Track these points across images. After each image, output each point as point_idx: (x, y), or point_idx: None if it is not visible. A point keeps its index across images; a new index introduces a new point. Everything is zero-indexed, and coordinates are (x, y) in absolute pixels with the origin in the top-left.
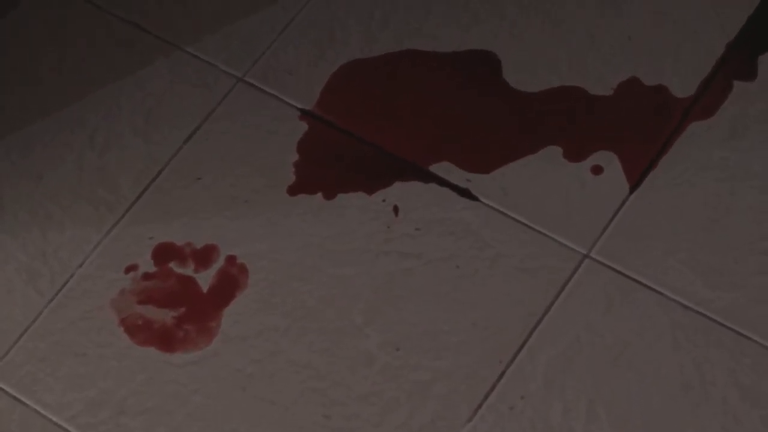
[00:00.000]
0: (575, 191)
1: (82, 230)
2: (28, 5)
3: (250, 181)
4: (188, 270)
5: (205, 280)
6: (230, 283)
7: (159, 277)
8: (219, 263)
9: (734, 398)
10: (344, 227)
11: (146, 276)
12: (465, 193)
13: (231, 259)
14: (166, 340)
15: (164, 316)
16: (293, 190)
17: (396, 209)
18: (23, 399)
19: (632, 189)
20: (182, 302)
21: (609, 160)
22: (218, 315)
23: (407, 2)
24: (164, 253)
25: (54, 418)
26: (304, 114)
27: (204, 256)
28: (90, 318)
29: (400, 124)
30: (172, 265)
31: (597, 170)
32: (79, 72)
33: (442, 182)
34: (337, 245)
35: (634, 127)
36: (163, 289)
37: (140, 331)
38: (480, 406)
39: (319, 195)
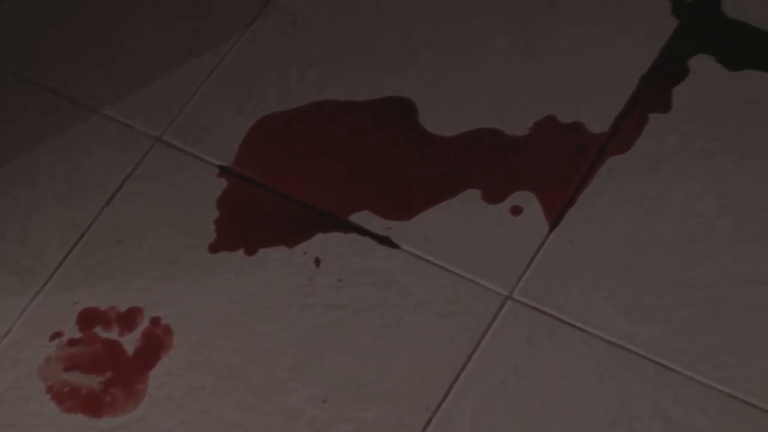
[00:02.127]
0: (495, 233)
1: (7, 300)
2: None
3: (171, 241)
4: (113, 334)
5: (131, 343)
6: (155, 344)
7: (84, 342)
8: (143, 325)
9: (659, 431)
10: (267, 282)
11: (71, 342)
12: (386, 241)
13: (155, 321)
14: (93, 405)
15: (91, 381)
16: (215, 248)
17: (318, 261)
18: None
19: (552, 228)
20: (108, 366)
21: (528, 200)
22: (145, 377)
23: (322, 54)
24: (89, 318)
25: None
26: (223, 171)
27: (128, 319)
28: (18, 388)
29: (318, 176)
30: (97, 329)
31: (516, 211)
32: None
33: (363, 231)
34: (261, 301)
35: (552, 166)
36: (89, 355)
37: (68, 398)
38: None
39: (241, 251)
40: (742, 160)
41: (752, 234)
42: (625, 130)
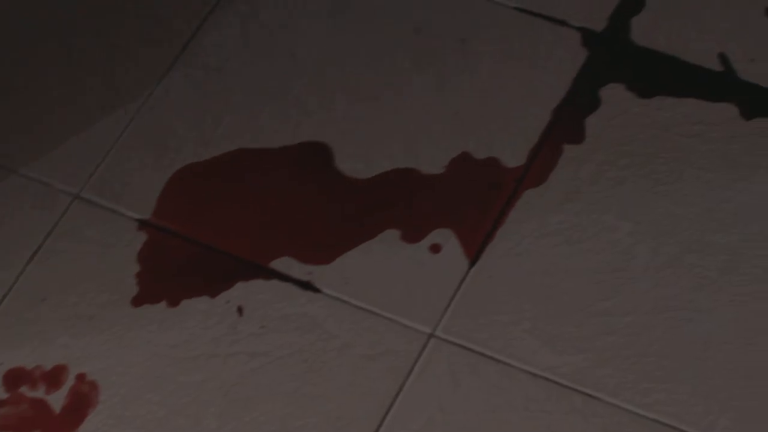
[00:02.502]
0: (416, 272)
1: None
2: None
3: (94, 297)
4: (39, 393)
5: (57, 401)
6: (82, 401)
7: (11, 403)
8: (69, 382)
9: None
10: (190, 333)
11: None
12: (307, 286)
13: (81, 378)
14: None
15: None
16: (137, 302)
17: (240, 309)
18: None
19: (471, 264)
20: (36, 426)
21: (446, 237)
22: None
23: (236, 102)
24: (15, 378)
25: None
26: (143, 224)
27: (54, 377)
28: None
29: (238, 224)
30: (23, 389)
31: (435, 249)
32: None
33: (284, 277)
34: (185, 352)
35: (469, 202)
36: (16, 415)
37: None
38: None
39: (163, 303)
40: (655, 187)
41: (668, 259)
42: (540, 163)
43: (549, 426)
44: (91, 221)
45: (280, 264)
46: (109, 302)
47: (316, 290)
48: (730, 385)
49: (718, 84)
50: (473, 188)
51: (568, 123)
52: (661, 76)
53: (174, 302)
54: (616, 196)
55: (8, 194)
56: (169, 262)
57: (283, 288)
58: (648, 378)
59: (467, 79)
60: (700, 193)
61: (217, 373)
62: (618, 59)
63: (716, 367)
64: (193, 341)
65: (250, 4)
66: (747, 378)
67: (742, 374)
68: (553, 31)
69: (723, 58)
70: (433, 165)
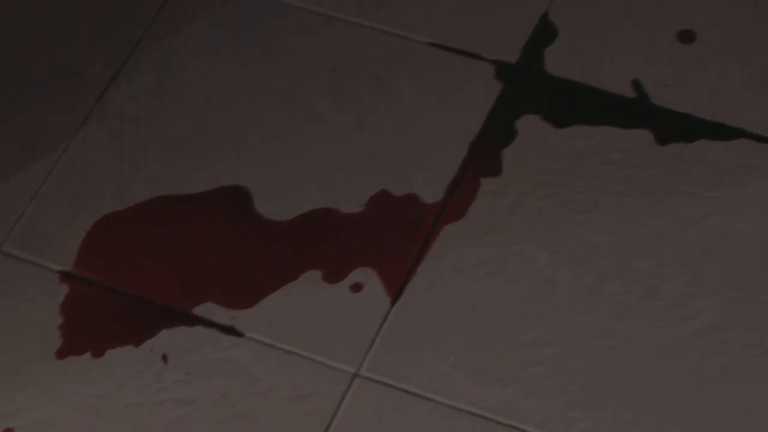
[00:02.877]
0: (338, 312)
1: None
2: None
3: (18, 351)
4: None
5: None
6: None
7: None
8: None
9: None
10: (115, 383)
11: None
12: (231, 331)
13: None
14: None
15: None
16: (62, 354)
17: (165, 357)
18: None
19: (393, 301)
20: None
21: (368, 276)
22: None
23: (153, 150)
24: None
25: None
26: (64, 276)
27: None
28: None
29: (160, 272)
30: None
31: (357, 288)
32: None
33: (208, 323)
34: (111, 402)
35: (389, 240)
36: None
37: None
38: None
39: (88, 355)
40: (573, 216)
41: (588, 288)
42: (459, 197)
43: None
44: (12, 275)
45: (203, 310)
46: (34, 356)
47: (239, 335)
48: (652, 410)
49: (633, 111)
50: (393, 225)
51: (484, 156)
52: (577, 105)
53: (99, 353)
54: (534, 227)
55: None
56: (92, 312)
57: (207, 334)
58: (573, 407)
59: (383, 116)
60: (617, 220)
61: (145, 422)
62: (533, 90)
63: (638, 393)
64: (119, 391)
65: (164, 51)
66: (667, 402)
67: (662, 399)
68: (467, 64)
69: (637, 85)
70: (352, 204)
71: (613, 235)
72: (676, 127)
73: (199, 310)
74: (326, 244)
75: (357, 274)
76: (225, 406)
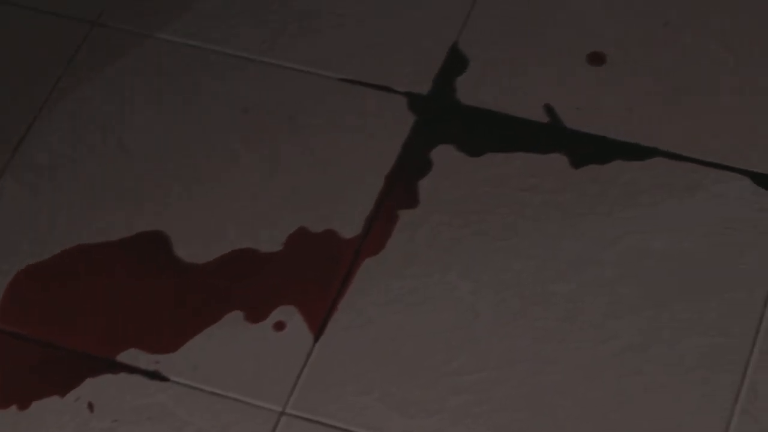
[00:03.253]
0: (262, 351)
1: None
2: None
3: None
4: None
5: None
6: None
7: None
8: None
9: None
10: None
11: None
12: (155, 376)
13: None
14: None
15: None
16: None
17: (91, 406)
18: None
19: (316, 338)
20: None
21: (290, 314)
22: None
23: (70, 200)
24: None
25: None
26: None
27: None
28: None
29: (82, 321)
30: None
31: (280, 326)
32: None
33: (131, 369)
34: None
35: (310, 277)
36: None
37: None
38: None
39: (14, 407)
40: (493, 243)
41: (512, 313)
42: (377, 231)
43: None
44: None
45: (127, 356)
46: None
47: (164, 379)
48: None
49: (546, 136)
50: (313, 263)
51: (401, 188)
52: (491, 133)
53: (24, 405)
54: (454, 256)
55: None
56: (16, 364)
57: (132, 380)
58: None
59: (299, 155)
60: (536, 245)
61: None
62: (446, 120)
63: (563, 416)
64: None
65: (78, 101)
66: (593, 423)
67: (587, 420)
68: (380, 98)
69: (549, 110)
70: (271, 243)
71: (532, 260)
72: (590, 150)
73: (123, 357)
74: (247, 284)
75: (279, 313)
76: None
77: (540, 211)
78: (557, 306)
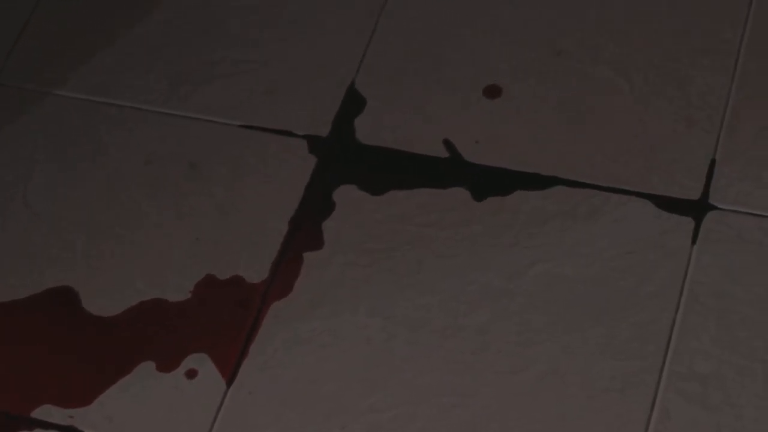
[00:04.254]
0: (175, 400)
1: None
2: None
3: None
4: None
5: None
6: None
7: None
8: None
9: None
10: None
11: None
12: (70, 430)
13: None
14: None
15: None
16: None
17: None
18: None
19: (228, 384)
20: None
21: (201, 361)
22: None
23: None
24: None
25: None
26: None
27: None
28: None
29: None
30: None
31: (192, 374)
32: None
33: (46, 425)
34: None
35: (219, 323)
36: None
37: None
38: None
39: None
40: (400, 280)
41: (425, 348)
42: (284, 274)
43: None
44: None
45: (41, 412)
46: None
47: None
48: None
49: (447, 170)
50: (221, 309)
51: (305, 230)
52: (391, 170)
53: None
54: (362, 295)
55: None
56: None
57: None
58: None
59: (203, 203)
60: (443, 279)
61: None
62: (346, 161)
63: None
64: None
65: None
66: None
67: None
68: (280, 142)
69: (448, 144)
70: (179, 292)
71: (441, 294)
72: (491, 182)
73: (37, 413)
74: (157, 334)
75: (190, 361)
76: None
77: (446, 246)
78: (470, 338)
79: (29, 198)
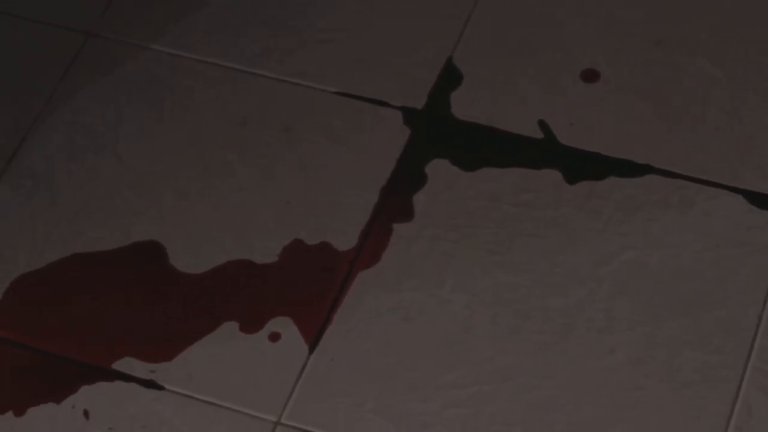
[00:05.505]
0: (257, 362)
1: None
2: None
3: None
4: None
5: None
6: None
7: None
8: None
9: None
10: None
11: None
12: (151, 385)
13: None
14: None
15: None
16: None
17: (86, 413)
18: None
19: (311, 349)
20: None
21: (285, 325)
22: None
23: (67, 209)
24: None
25: None
26: None
27: None
28: None
29: (77, 328)
30: None
31: (275, 337)
32: None
33: (127, 378)
34: None
35: (305, 288)
36: None
37: None
38: None
39: (10, 413)
40: (488, 258)
41: (507, 328)
42: (372, 243)
43: None
44: None
45: (123, 365)
46: None
47: (160, 388)
48: None
49: (540, 151)
50: (308, 274)
51: (396, 202)
52: (485, 148)
53: (20, 411)
54: (449, 270)
55: None
56: (13, 372)
57: (127, 388)
58: None
59: (294, 167)
60: (531, 260)
61: None
62: (441, 135)
63: (563, 430)
64: None
65: (73, 111)
66: None
67: None
68: (375, 112)
69: (543, 125)
70: (266, 254)
71: (527, 275)
72: (584, 166)
73: (119, 365)
74: (242, 295)
75: (274, 324)
76: None
77: (535, 226)
78: (553, 321)
79: (120, 150)
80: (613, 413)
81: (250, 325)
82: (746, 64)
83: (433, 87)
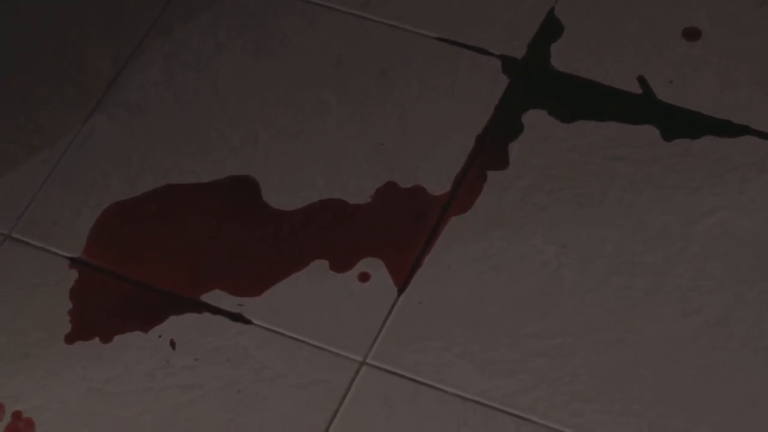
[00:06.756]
0: (345, 301)
1: None
2: None
3: (26, 335)
4: None
5: None
6: None
7: None
8: (6, 420)
9: None
10: (124, 368)
11: None
12: (238, 318)
13: (17, 415)
14: None
15: None
16: (70, 338)
17: (173, 343)
18: None
19: (400, 291)
20: None
21: (375, 266)
22: None
23: (162, 139)
24: None
25: None
26: (74, 262)
27: None
28: None
29: (167, 259)
30: None
31: (364, 277)
32: None
33: (215, 310)
34: (119, 387)
35: (396, 230)
36: None
37: None
38: None
39: (96, 340)
40: (580, 210)
41: (595, 281)
42: (465, 190)
43: None
44: (22, 261)
45: (211, 297)
46: (42, 340)
47: (247, 322)
48: (656, 402)
49: (638, 107)
50: (400, 217)
51: (491, 149)
52: (582, 100)
53: (107, 338)
54: (541, 221)
55: None
56: (101, 298)
57: (215, 321)
58: (579, 398)
59: (390, 110)
60: (623, 215)
61: (151, 407)
62: (539, 85)
63: (644, 387)
64: (126, 376)
65: (172, 43)
66: (671, 395)
67: (666, 392)
68: (474, 59)
69: (642, 81)
70: (359, 195)
71: (619, 229)
72: (681, 124)
73: (207, 297)
74: (333, 234)
75: (364, 264)
76: (231, 392)
77: (629, 181)
78: (642, 277)
79: (218, 83)
80: (697, 372)
81: (339, 265)
82: None
83: (534, 37)
